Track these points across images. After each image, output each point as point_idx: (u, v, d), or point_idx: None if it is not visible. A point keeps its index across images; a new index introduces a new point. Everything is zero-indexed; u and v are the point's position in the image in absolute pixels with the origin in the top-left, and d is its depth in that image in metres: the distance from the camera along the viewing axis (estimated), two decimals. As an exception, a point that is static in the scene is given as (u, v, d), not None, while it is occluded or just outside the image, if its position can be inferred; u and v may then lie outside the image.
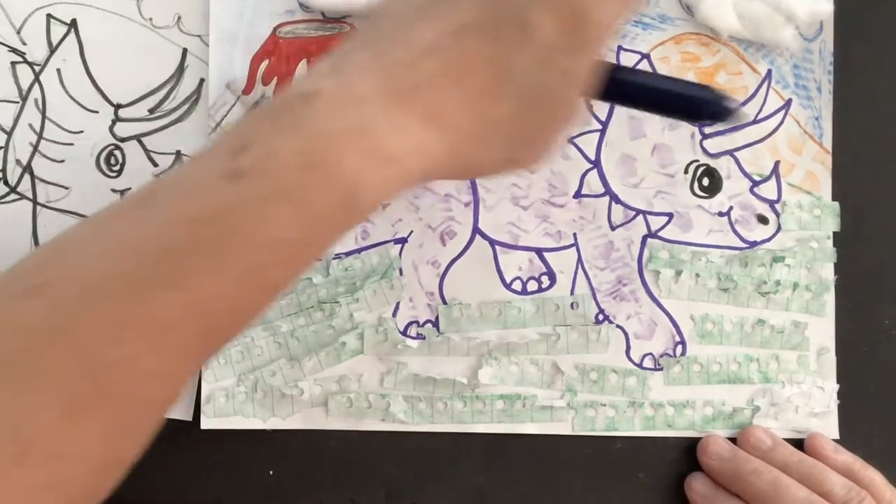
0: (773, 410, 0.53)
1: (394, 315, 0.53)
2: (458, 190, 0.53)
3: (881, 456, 0.52)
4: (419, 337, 0.53)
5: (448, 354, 0.53)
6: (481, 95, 0.35)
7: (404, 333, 0.53)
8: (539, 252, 0.53)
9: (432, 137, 0.34)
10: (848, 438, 0.53)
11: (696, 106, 0.39)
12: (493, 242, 0.53)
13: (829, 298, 0.54)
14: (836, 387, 0.54)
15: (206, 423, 0.52)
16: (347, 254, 0.53)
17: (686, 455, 0.53)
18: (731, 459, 0.51)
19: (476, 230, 0.53)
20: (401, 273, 0.53)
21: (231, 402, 0.52)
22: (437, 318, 0.53)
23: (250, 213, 0.31)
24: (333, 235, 0.34)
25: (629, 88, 0.40)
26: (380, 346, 0.53)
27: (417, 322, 0.53)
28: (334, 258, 0.52)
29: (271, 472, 0.53)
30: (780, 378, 0.53)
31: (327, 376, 0.53)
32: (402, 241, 0.53)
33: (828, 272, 0.54)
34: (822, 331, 0.54)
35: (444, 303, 0.53)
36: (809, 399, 0.53)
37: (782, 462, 0.50)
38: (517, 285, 0.53)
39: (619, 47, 0.54)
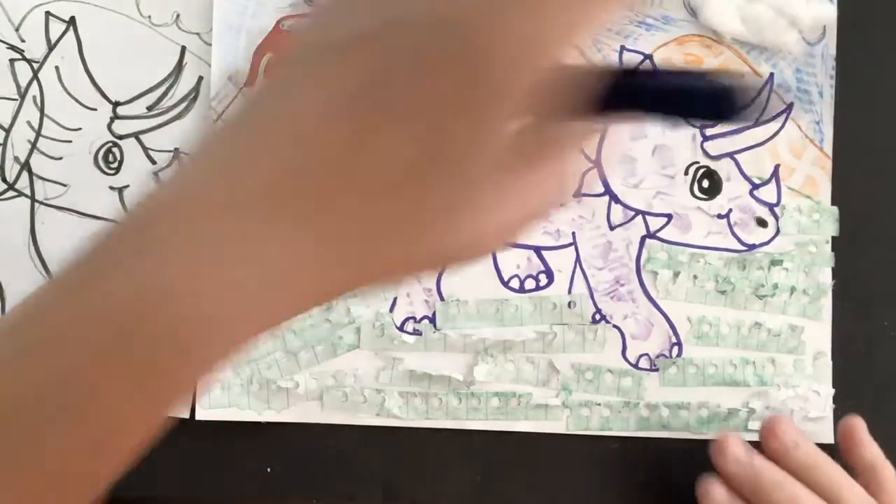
0: (768, 413, 0.53)
1: (391, 310, 0.53)
2: (458, 187, 0.53)
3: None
4: (416, 333, 0.53)
5: (444, 351, 0.53)
6: (370, 184, 0.26)
7: (401, 329, 0.53)
8: (537, 250, 0.53)
9: (309, 254, 0.26)
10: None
11: (722, 102, 0.34)
12: (491, 240, 0.53)
13: (826, 303, 0.54)
14: (832, 391, 0.54)
15: (202, 415, 0.52)
16: (346, 248, 0.53)
17: (682, 456, 0.53)
18: (750, 466, 0.49)
19: (475, 227, 0.53)
20: (399, 268, 0.53)
21: (227, 393, 0.52)
22: (434, 314, 0.53)
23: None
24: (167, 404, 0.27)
25: (637, 98, 0.34)
26: (376, 341, 0.53)
27: (414, 318, 0.53)
28: (332, 252, 0.52)
29: (269, 469, 0.53)
30: (776, 381, 0.53)
31: (323, 370, 0.53)
32: (401, 236, 0.53)
33: (825, 276, 0.54)
34: (819, 335, 0.54)
35: (442, 299, 0.53)
36: (805, 403, 0.53)
37: (804, 464, 0.49)
38: (515, 283, 0.53)
39: (622, 47, 0.54)
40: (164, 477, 0.52)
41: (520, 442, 0.53)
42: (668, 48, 0.54)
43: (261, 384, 0.52)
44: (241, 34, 0.53)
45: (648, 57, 0.54)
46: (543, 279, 0.53)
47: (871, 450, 0.50)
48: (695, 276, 0.53)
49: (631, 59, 0.54)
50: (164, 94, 0.53)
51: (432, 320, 0.53)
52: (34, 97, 0.52)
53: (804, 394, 0.53)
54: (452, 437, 0.53)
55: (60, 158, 0.52)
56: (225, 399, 0.52)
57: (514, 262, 0.53)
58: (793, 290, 0.54)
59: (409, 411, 0.53)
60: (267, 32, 0.53)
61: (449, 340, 0.53)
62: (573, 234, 0.53)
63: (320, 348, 0.53)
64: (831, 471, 0.49)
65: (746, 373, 0.53)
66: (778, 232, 0.54)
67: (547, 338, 0.53)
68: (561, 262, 0.53)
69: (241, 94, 0.53)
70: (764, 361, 0.54)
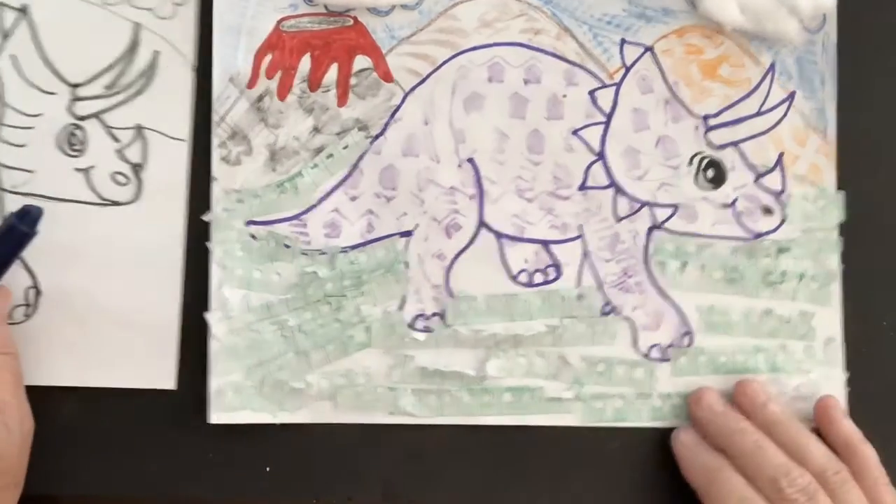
0: (781, 400, 0.53)
1: (400, 308, 0.53)
2: (463, 183, 0.53)
3: (891, 442, 0.51)
4: (426, 330, 0.53)
5: (455, 347, 0.53)
6: None
7: (411, 326, 0.53)
8: (545, 244, 0.53)
9: None
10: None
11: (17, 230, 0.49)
12: (498, 235, 0.53)
13: (836, 288, 0.54)
14: (844, 376, 0.54)
15: (215, 418, 0.52)
16: (353, 247, 0.53)
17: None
18: (721, 414, 0.51)
19: (482, 223, 0.53)
20: (407, 266, 0.53)
21: (239, 396, 0.52)
22: (444, 310, 0.53)
23: None
24: None
25: None
26: (387, 340, 0.53)
27: (424, 315, 0.53)
28: (340, 252, 0.52)
29: (268, 469, 0.53)
30: (788, 368, 0.53)
31: (335, 370, 0.52)
32: (408, 234, 0.53)
33: (833, 262, 0.54)
34: (829, 320, 0.54)
35: (451, 296, 0.53)
36: (817, 389, 0.53)
37: (771, 420, 0.50)
38: (523, 277, 0.53)
39: (623, 40, 0.54)
40: (164, 477, 0.52)
41: (522, 442, 0.53)
42: (668, 39, 0.54)
43: (273, 386, 0.52)
44: (241, 35, 0.53)
45: (649, 49, 0.54)
46: (552, 273, 0.53)
47: (846, 427, 0.51)
48: (703, 266, 0.54)
49: (632, 52, 0.54)
50: (122, 72, 0.53)
51: (442, 317, 0.53)
52: None
53: (816, 379, 0.54)
54: (452, 436, 0.53)
55: (24, 146, 0.53)
56: (238, 402, 0.52)
57: (522, 256, 0.53)
58: (801, 276, 0.54)
59: (422, 408, 0.53)
60: (267, 33, 0.53)
61: (460, 337, 0.53)
62: (580, 226, 0.53)
63: (331, 348, 0.52)
64: (798, 428, 0.50)
65: (758, 360, 0.53)
66: (784, 219, 0.54)
67: (557, 331, 0.53)
68: (569, 255, 0.53)
69: (244, 96, 0.53)
70: (775, 348, 0.54)
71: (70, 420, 0.52)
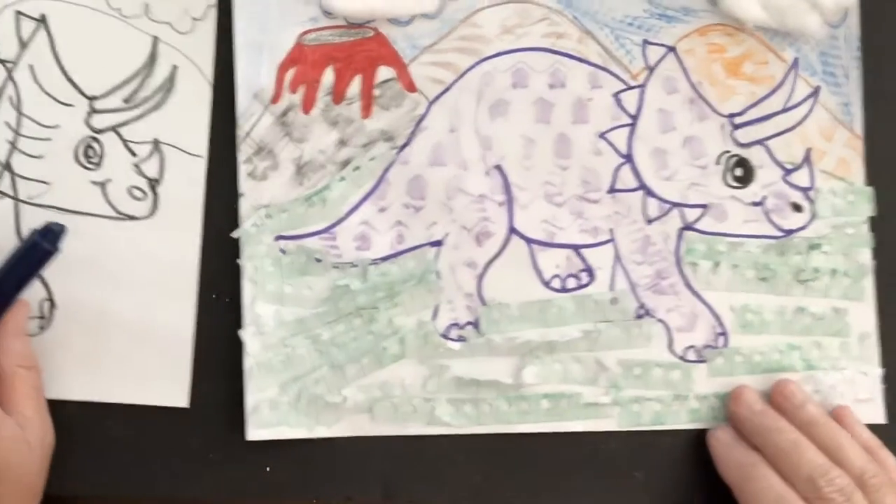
0: (817, 398, 0.53)
1: (434, 318, 0.53)
2: (492, 190, 0.53)
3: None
4: (460, 339, 0.53)
5: (490, 355, 0.53)
6: None
7: (445, 336, 0.53)
8: (576, 249, 0.53)
9: None
10: None
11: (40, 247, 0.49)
12: (529, 241, 0.53)
13: (868, 283, 0.54)
14: (881, 371, 0.54)
15: (253, 435, 0.51)
16: (384, 259, 0.52)
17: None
18: (759, 413, 0.51)
19: (512, 229, 0.53)
20: (438, 276, 0.53)
21: (275, 412, 0.52)
22: (477, 319, 0.53)
23: None
24: None
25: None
26: (421, 350, 0.52)
27: (458, 324, 0.53)
28: (371, 264, 0.52)
29: (268, 469, 0.52)
30: (823, 365, 0.53)
31: (370, 382, 0.52)
32: (438, 243, 0.53)
33: (865, 257, 0.54)
34: (863, 316, 0.54)
35: (484, 304, 0.53)
36: (853, 385, 0.53)
37: (808, 420, 0.51)
38: (556, 283, 0.53)
39: (645, 41, 0.54)
40: (163, 477, 0.52)
41: (523, 443, 0.53)
42: (690, 39, 0.54)
43: (309, 401, 0.52)
44: (263, 51, 0.53)
45: (672, 49, 0.54)
46: (585, 277, 0.53)
47: (866, 433, 0.52)
48: (735, 265, 0.53)
49: (655, 53, 0.54)
50: (140, 85, 0.53)
51: (476, 325, 0.53)
52: (10, 97, 0.52)
53: (852, 376, 0.53)
54: (452, 437, 0.53)
55: (41, 157, 0.52)
56: (274, 418, 0.52)
57: (554, 262, 0.53)
58: (833, 272, 0.54)
59: (459, 418, 0.52)
60: (289, 48, 0.53)
61: (494, 345, 0.52)
62: (610, 230, 0.53)
63: (366, 360, 0.52)
64: (836, 429, 0.50)
65: (793, 358, 0.53)
66: (814, 216, 0.54)
67: (592, 336, 0.53)
68: (601, 259, 0.53)
69: (268, 111, 0.52)
70: (810, 346, 0.53)
71: (69, 420, 0.51)
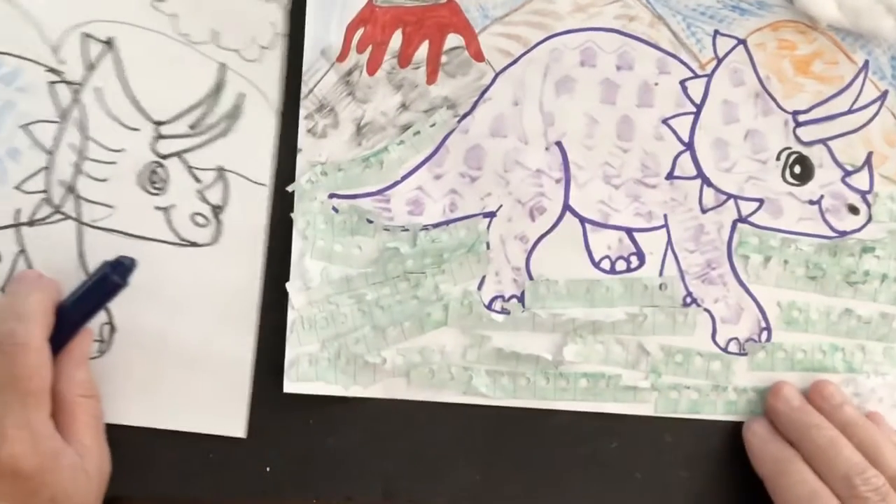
0: (856, 401, 0.53)
1: (479, 288, 0.53)
2: (550, 166, 0.53)
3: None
4: (504, 312, 0.53)
5: (533, 330, 0.53)
6: None
7: (489, 307, 0.53)
8: (629, 232, 0.53)
9: None
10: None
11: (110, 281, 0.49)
12: (583, 220, 0.53)
13: (919, 292, 0.54)
14: (924, 380, 0.54)
15: (290, 387, 0.52)
16: (435, 225, 0.53)
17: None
18: (798, 409, 0.51)
19: (567, 207, 0.53)
20: (488, 247, 0.53)
21: (314, 367, 0.52)
22: (522, 293, 0.53)
23: None
24: None
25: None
26: (464, 319, 0.53)
27: (503, 297, 0.53)
28: (421, 230, 0.52)
29: (268, 469, 0.53)
30: (865, 369, 0.53)
31: (410, 346, 0.53)
32: (491, 214, 0.53)
33: (918, 265, 0.54)
34: (911, 324, 0.54)
35: (531, 278, 0.53)
36: (894, 391, 0.53)
37: (846, 421, 0.51)
38: (605, 264, 0.53)
39: (716, 31, 0.53)
40: (164, 477, 0.53)
41: (523, 442, 0.53)
42: (762, 33, 0.54)
43: (348, 359, 0.52)
44: (334, 8, 0.53)
45: (742, 42, 0.53)
46: (635, 261, 0.53)
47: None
48: (785, 262, 0.53)
49: (725, 44, 0.53)
50: (206, 112, 0.52)
51: (521, 299, 0.53)
52: (76, 119, 0.52)
53: (893, 382, 0.53)
54: (452, 436, 0.53)
55: (105, 180, 0.52)
56: (312, 373, 0.52)
57: (606, 243, 0.53)
58: (884, 277, 0.53)
59: (495, 390, 0.53)
60: (361, 7, 0.53)
61: (537, 320, 0.53)
62: (665, 216, 0.53)
63: (408, 325, 0.53)
64: (873, 430, 0.50)
65: (835, 359, 0.53)
66: (870, 219, 0.54)
67: (637, 319, 0.53)
68: (652, 244, 0.53)
69: (333, 69, 0.53)
70: (853, 348, 0.53)
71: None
